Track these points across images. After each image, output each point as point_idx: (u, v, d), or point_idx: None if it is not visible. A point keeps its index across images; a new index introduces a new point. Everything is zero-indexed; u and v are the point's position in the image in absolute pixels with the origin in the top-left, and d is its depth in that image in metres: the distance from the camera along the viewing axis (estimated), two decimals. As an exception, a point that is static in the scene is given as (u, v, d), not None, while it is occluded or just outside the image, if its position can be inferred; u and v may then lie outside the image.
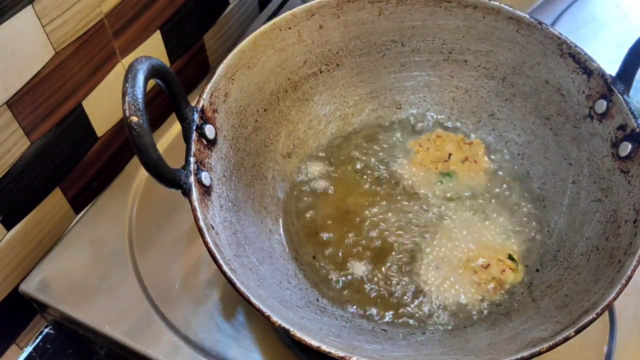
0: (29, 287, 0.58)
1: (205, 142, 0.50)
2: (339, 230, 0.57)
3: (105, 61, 0.60)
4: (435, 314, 0.52)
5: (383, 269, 0.54)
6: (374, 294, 0.53)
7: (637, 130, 0.50)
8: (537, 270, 0.54)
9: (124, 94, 0.40)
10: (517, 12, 0.57)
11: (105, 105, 0.62)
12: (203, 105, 0.50)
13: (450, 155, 0.61)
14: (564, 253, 0.53)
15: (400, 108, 0.64)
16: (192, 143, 0.48)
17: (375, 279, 0.54)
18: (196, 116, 0.49)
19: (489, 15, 0.58)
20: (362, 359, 0.41)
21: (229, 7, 0.76)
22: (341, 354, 0.41)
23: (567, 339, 0.42)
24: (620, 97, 0.51)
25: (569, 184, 0.56)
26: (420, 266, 0.54)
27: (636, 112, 0.50)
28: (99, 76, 0.60)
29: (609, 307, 0.44)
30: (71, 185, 0.62)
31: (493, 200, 0.58)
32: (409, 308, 0.52)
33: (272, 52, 0.57)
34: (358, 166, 0.61)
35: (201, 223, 0.45)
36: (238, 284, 0.43)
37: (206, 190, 0.48)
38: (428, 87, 0.63)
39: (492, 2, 0.58)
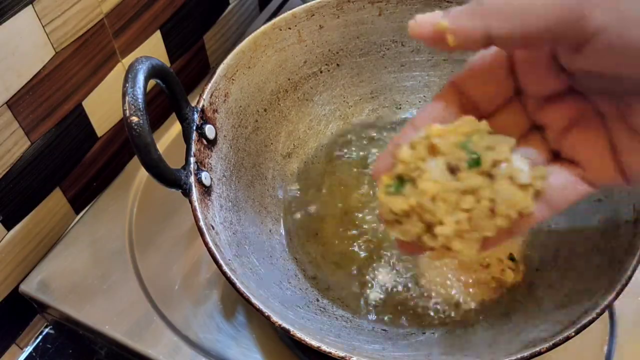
0: (29, 287, 0.58)
1: (205, 142, 0.50)
2: (339, 230, 0.57)
3: (105, 61, 0.60)
4: (435, 314, 0.52)
5: (383, 268, 0.54)
6: (374, 294, 0.53)
7: (637, 130, 0.50)
8: (537, 270, 0.54)
9: (124, 94, 0.40)
10: (517, 12, 0.57)
11: (105, 105, 0.62)
12: (203, 105, 0.50)
13: (450, 155, 0.61)
14: (564, 253, 0.53)
15: (400, 108, 0.64)
16: (192, 143, 0.48)
17: (375, 278, 0.54)
18: (196, 116, 0.49)
19: (489, 15, 0.58)
20: (362, 359, 0.41)
21: (229, 7, 0.76)
22: (341, 354, 0.41)
23: (567, 339, 0.42)
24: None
25: (569, 184, 0.56)
26: (420, 266, 0.54)
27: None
28: (99, 76, 0.60)
29: (609, 307, 0.44)
30: (71, 185, 0.62)
31: (493, 200, 0.58)
32: (409, 308, 0.52)
33: (272, 52, 0.57)
34: (358, 166, 0.61)
35: (201, 223, 0.45)
36: (238, 284, 0.43)
37: (206, 190, 0.48)
38: (428, 87, 0.63)
39: (492, 2, 0.57)
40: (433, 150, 0.32)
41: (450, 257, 0.33)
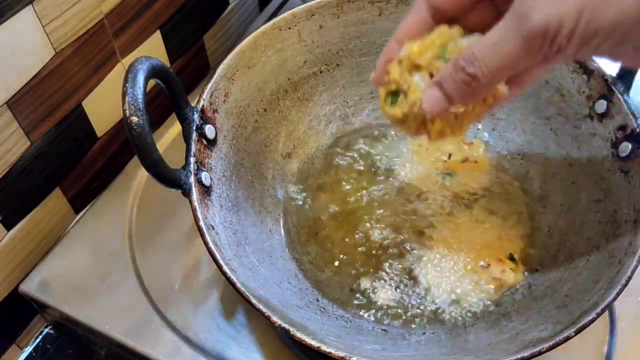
0: (29, 287, 0.58)
1: (205, 142, 0.50)
2: (339, 230, 0.57)
3: (105, 61, 0.60)
4: (436, 314, 0.52)
5: (383, 269, 0.54)
6: (374, 294, 0.53)
7: (637, 130, 0.50)
8: (537, 270, 0.54)
9: (124, 94, 0.40)
10: (517, 12, 0.57)
11: (105, 105, 0.62)
12: (203, 106, 0.50)
13: (450, 155, 0.61)
14: (564, 253, 0.53)
15: (400, 108, 0.64)
16: (192, 143, 0.48)
17: (376, 278, 0.54)
18: (196, 116, 0.49)
19: (489, 15, 0.58)
20: (362, 359, 0.41)
21: (229, 7, 0.76)
22: (341, 354, 0.42)
23: (567, 339, 0.42)
24: (620, 97, 0.51)
25: (569, 184, 0.56)
26: (420, 266, 0.54)
27: (636, 112, 0.50)
28: (99, 76, 0.60)
29: (609, 307, 0.44)
30: (71, 185, 0.62)
31: (493, 200, 0.58)
32: (409, 308, 0.52)
33: (272, 52, 0.57)
34: (358, 166, 0.61)
35: (201, 223, 0.45)
36: (238, 284, 0.43)
37: (206, 190, 0.48)
38: (428, 87, 0.63)
39: (492, 2, 0.58)
40: (416, 67, 0.39)
41: (444, 138, 0.42)
